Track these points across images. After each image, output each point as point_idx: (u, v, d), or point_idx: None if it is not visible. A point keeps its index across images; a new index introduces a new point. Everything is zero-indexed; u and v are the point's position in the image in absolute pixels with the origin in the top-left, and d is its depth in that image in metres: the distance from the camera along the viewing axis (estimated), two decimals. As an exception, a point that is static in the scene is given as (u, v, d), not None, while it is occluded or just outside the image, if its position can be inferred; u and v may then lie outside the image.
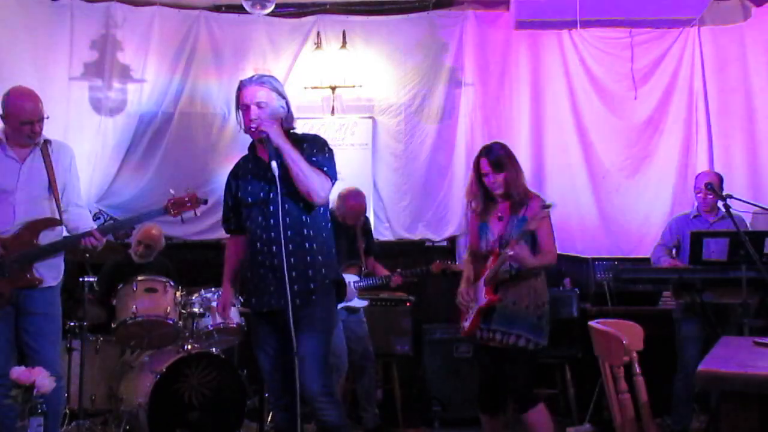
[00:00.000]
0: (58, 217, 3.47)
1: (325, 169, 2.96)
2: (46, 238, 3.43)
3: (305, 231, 2.96)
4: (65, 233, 3.57)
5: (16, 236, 3.35)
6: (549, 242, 3.43)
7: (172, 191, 3.54)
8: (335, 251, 3.10)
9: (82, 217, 3.59)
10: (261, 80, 2.99)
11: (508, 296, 3.37)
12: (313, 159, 2.95)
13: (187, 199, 3.51)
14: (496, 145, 3.51)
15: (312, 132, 5.67)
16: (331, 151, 3.06)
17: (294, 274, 2.86)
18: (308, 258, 2.95)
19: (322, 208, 3.04)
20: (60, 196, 3.50)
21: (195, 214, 3.63)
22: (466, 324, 3.47)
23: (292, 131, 3.05)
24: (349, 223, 4.60)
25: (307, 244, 2.95)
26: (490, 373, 3.47)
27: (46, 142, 3.51)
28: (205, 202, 3.70)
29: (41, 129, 3.41)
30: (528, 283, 3.39)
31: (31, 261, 3.37)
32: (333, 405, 2.94)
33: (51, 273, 3.46)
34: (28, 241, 3.36)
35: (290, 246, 2.90)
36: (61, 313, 3.54)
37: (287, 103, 3.05)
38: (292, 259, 2.88)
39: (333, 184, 3.02)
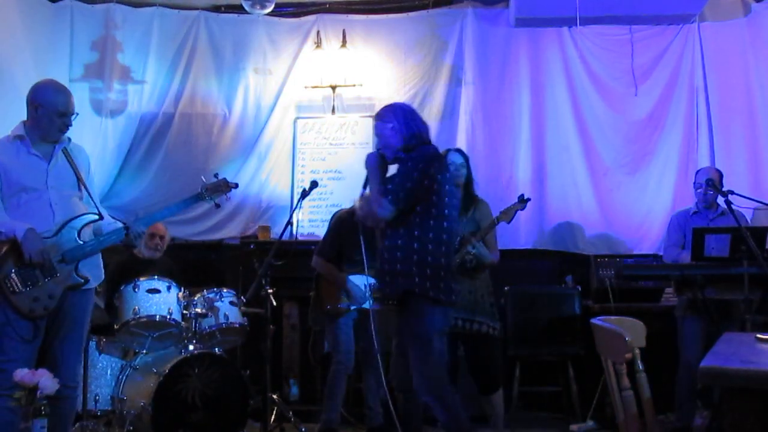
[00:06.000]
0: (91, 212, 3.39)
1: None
2: (86, 235, 3.33)
3: None
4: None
5: (58, 239, 3.23)
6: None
7: (203, 178, 3.65)
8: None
9: (109, 219, 3.51)
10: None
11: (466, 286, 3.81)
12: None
13: (220, 183, 3.65)
14: None
15: (313, 131, 5.80)
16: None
17: None
18: None
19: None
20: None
21: (227, 198, 3.73)
22: None
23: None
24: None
25: None
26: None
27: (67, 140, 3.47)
28: (236, 186, 3.79)
29: (71, 123, 3.38)
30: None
31: (77, 259, 3.26)
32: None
33: (94, 272, 3.38)
34: (73, 239, 3.26)
35: None
36: (89, 320, 3.48)
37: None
38: None
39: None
